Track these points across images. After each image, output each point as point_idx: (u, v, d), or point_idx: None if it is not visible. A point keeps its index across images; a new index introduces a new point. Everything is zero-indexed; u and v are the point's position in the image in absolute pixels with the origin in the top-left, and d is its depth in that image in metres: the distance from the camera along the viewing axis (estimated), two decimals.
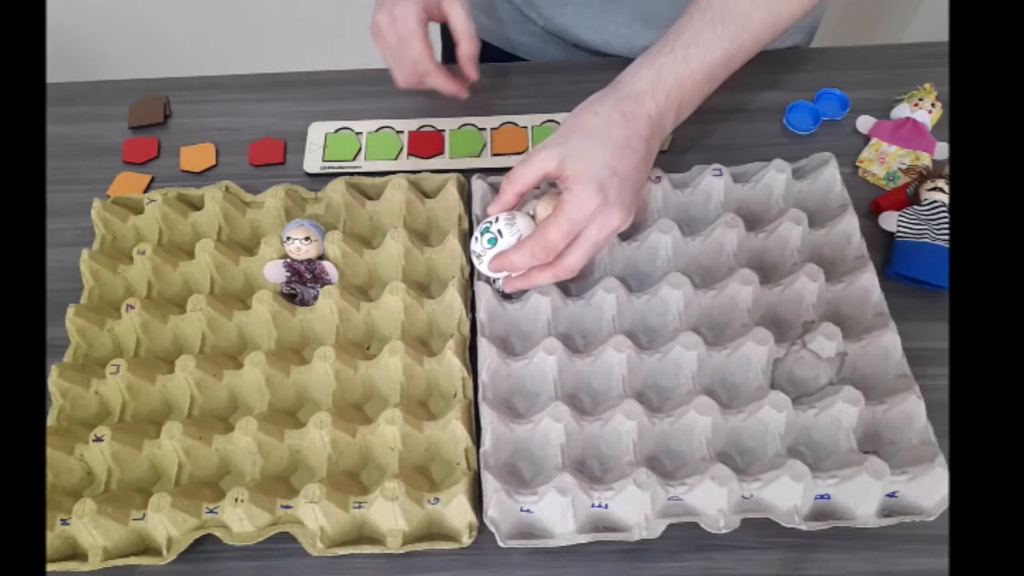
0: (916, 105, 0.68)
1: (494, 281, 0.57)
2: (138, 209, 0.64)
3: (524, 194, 0.54)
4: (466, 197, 0.64)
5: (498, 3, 0.79)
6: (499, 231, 0.53)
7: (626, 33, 0.72)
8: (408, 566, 0.50)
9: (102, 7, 1.48)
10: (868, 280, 0.56)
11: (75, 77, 0.78)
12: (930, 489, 0.48)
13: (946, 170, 0.62)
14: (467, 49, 0.60)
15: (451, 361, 0.54)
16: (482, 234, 0.54)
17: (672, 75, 0.53)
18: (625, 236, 0.60)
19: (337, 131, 0.71)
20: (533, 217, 0.55)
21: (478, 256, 0.55)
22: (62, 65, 0.86)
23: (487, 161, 0.68)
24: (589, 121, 0.52)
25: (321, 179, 0.67)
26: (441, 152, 0.69)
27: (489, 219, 0.54)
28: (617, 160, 0.51)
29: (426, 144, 0.69)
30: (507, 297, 0.58)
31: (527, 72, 0.76)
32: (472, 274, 0.59)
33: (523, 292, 0.57)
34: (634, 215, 0.54)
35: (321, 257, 0.58)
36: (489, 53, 0.78)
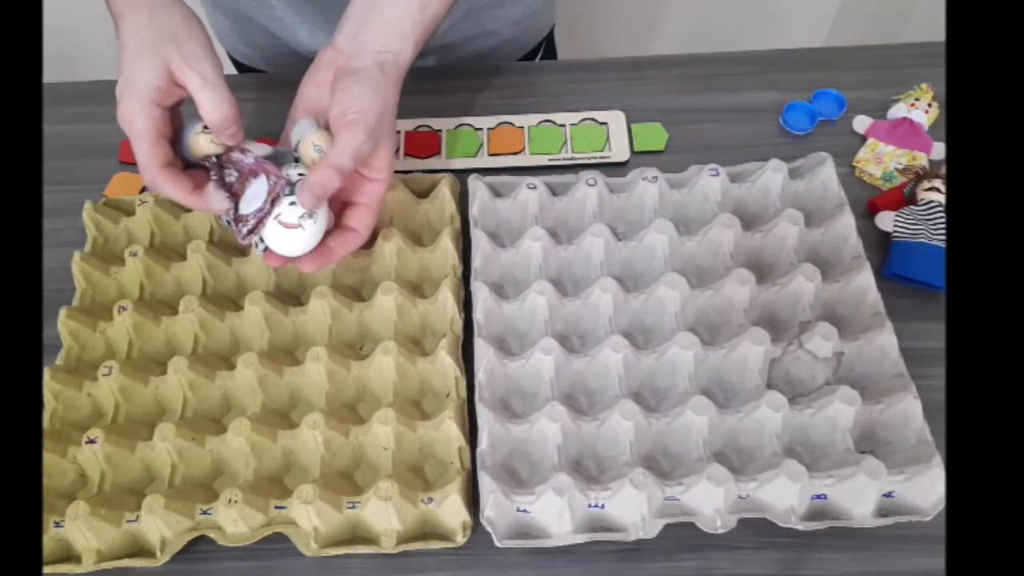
0: (913, 105, 0.68)
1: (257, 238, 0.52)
2: (130, 211, 0.64)
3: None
4: (458, 197, 0.63)
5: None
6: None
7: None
8: (404, 566, 0.50)
9: (100, 7, 1.48)
10: (865, 280, 0.56)
11: (72, 77, 0.77)
12: (927, 489, 0.48)
13: (943, 170, 0.62)
14: (214, 117, 0.49)
15: (444, 361, 0.54)
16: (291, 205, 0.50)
17: (414, 26, 0.54)
18: (622, 236, 0.60)
19: None
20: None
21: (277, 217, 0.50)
22: (59, 65, 0.85)
23: (484, 161, 0.68)
24: (388, 107, 0.53)
25: None
26: (438, 152, 0.68)
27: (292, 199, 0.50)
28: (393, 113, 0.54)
29: (423, 144, 0.69)
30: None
31: (524, 72, 0.76)
32: (465, 274, 0.59)
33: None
34: None
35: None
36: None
